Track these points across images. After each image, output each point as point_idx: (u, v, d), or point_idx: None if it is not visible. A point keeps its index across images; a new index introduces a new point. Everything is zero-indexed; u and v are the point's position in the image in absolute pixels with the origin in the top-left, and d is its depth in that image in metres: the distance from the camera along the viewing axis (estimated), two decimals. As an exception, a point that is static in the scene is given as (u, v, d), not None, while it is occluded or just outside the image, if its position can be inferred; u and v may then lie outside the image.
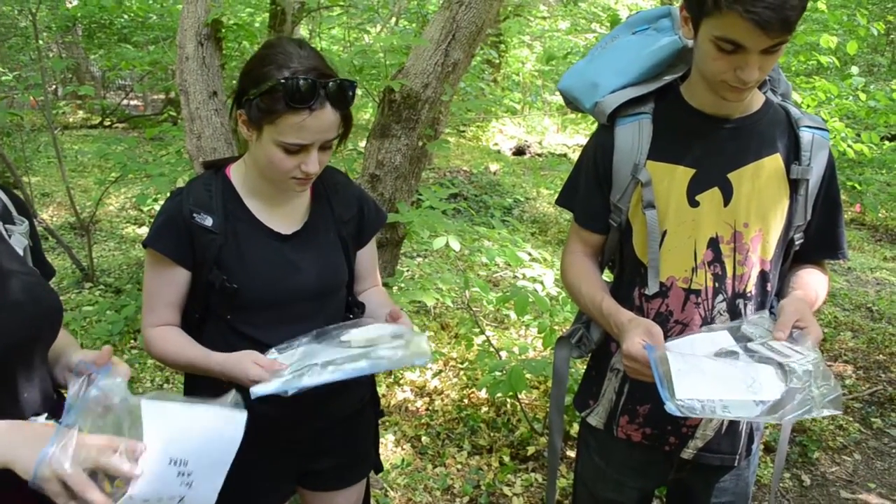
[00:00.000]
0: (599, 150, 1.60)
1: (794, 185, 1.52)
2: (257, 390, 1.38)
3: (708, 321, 1.55)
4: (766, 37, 1.27)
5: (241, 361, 1.44)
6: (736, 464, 1.66)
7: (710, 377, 1.26)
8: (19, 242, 1.28)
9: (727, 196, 1.51)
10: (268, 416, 1.62)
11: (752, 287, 1.56)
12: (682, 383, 1.23)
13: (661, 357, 1.30)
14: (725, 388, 1.24)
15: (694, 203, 1.51)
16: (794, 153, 1.52)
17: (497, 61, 12.69)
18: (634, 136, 1.53)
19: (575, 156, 12.04)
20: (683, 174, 1.52)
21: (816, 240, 1.59)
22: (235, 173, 1.60)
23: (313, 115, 1.39)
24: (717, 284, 1.53)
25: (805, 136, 1.51)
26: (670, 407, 1.23)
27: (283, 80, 1.37)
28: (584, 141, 13.11)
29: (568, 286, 1.72)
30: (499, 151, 12.52)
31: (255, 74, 1.43)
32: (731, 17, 1.26)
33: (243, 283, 1.52)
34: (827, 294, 1.60)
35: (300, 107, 1.38)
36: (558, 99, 15.45)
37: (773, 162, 1.51)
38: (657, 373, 1.27)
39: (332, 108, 1.41)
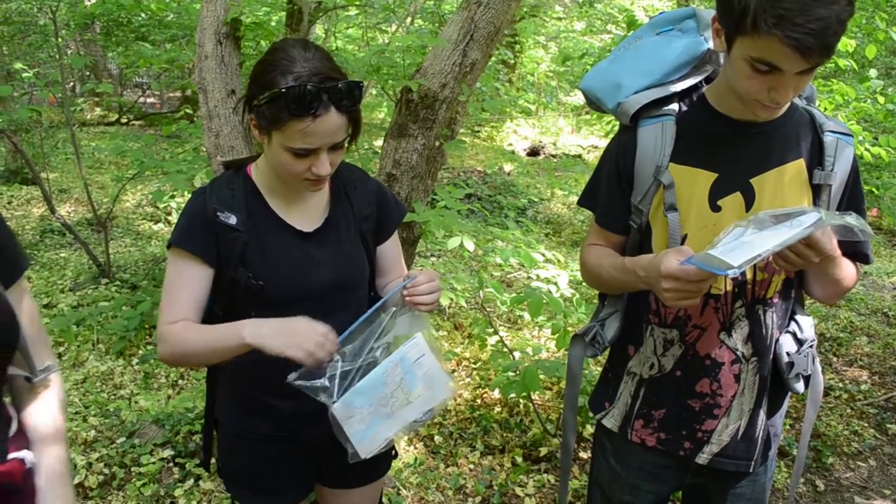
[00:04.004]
0: (621, 151, 1.59)
1: (817, 190, 1.51)
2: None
3: (727, 326, 1.54)
4: (804, 61, 1.24)
5: (290, 329, 1.42)
6: (751, 470, 1.65)
7: (757, 242, 1.27)
8: None
9: (749, 201, 1.50)
10: (288, 414, 1.63)
11: (773, 293, 1.55)
12: (733, 257, 1.23)
13: (704, 256, 1.29)
14: (773, 239, 1.26)
15: (716, 208, 1.50)
16: (817, 158, 1.51)
17: (512, 62, 12.69)
18: (657, 137, 1.52)
19: (589, 157, 12.04)
20: (706, 178, 1.51)
21: (840, 245, 1.57)
22: (256, 172, 1.62)
23: (318, 121, 1.39)
24: (736, 289, 1.53)
25: (829, 140, 1.50)
26: (733, 272, 1.20)
27: (284, 89, 1.37)
28: (598, 142, 13.10)
29: (588, 269, 1.70)
30: (513, 152, 12.51)
31: (261, 81, 1.43)
32: (769, 39, 1.22)
33: (268, 280, 1.53)
34: (851, 283, 1.58)
35: (303, 114, 1.38)
36: (573, 100, 15.44)
37: (796, 167, 1.50)
38: (707, 267, 1.25)
39: (336, 111, 1.41)
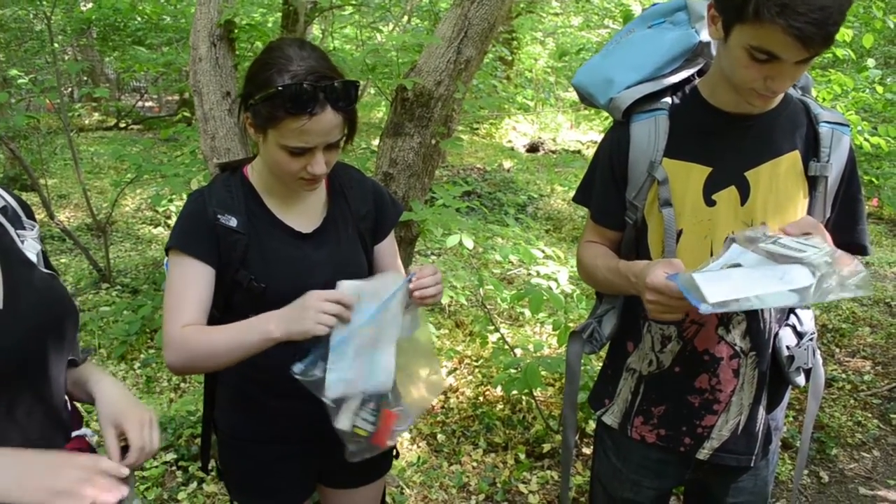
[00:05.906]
0: (615, 147, 1.58)
1: (813, 182, 1.49)
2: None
3: (725, 321, 1.53)
4: (804, 50, 1.23)
5: (305, 307, 1.37)
6: (753, 464, 1.64)
7: (741, 280, 1.23)
8: (32, 247, 1.24)
9: (744, 195, 1.48)
10: (290, 413, 1.63)
11: None
12: (712, 289, 1.20)
13: (687, 278, 1.26)
14: (757, 285, 1.22)
15: (710, 202, 1.49)
16: (812, 149, 1.50)
17: (509, 58, 12.67)
18: (650, 132, 1.51)
19: (589, 152, 12.02)
20: (699, 173, 1.49)
21: (837, 237, 1.53)
22: (252, 173, 1.61)
23: (314, 120, 1.39)
24: None
25: (824, 131, 1.48)
26: (705, 308, 1.17)
27: (280, 87, 1.36)
28: (597, 137, 13.09)
29: (584, 268, 1.70)
30: (512, 149, 12.51)
31: (258, 79, 1.43)
32: (771, 28, 1.21)
33: (269, 283, 1.52)
34: None
35: (299, 112, 1.37)
36: (571, 95, 15.41)
37: (791, 159, 1.49)
38: (686, 291, 1.22)
39: (332, 110, 1.40)
